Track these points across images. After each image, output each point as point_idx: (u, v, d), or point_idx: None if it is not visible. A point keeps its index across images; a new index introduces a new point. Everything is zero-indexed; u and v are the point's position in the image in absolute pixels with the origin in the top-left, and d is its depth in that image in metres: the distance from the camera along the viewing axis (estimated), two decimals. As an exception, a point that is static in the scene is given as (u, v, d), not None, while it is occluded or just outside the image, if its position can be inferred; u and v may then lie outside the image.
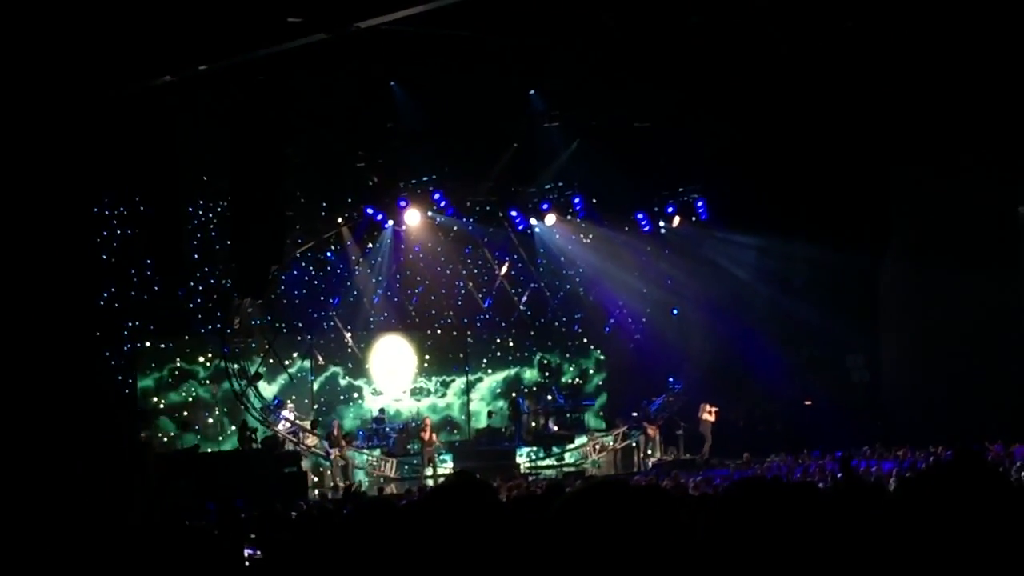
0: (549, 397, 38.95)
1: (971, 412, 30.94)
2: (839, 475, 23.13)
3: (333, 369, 36.02)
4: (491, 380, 39.27)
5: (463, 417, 38.47)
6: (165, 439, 32.34)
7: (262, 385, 33.09)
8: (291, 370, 34.67)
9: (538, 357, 40.24)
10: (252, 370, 32.70)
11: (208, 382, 33.42)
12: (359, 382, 36.47)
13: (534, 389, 39.42)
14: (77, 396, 26.79)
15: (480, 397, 38.93)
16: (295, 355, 35.24)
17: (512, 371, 39.55)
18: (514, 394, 38.16)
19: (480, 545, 3.73)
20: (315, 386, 35.75)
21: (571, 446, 36.42)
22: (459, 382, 38.74)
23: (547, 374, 40.06)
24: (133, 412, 31.24)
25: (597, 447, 36.35)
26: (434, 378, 38.29)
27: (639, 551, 2.66)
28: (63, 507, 19.55)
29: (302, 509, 21.96)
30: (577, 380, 40.47)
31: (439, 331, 38.39)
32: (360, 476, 32.70)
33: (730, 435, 35.28)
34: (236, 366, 32.37)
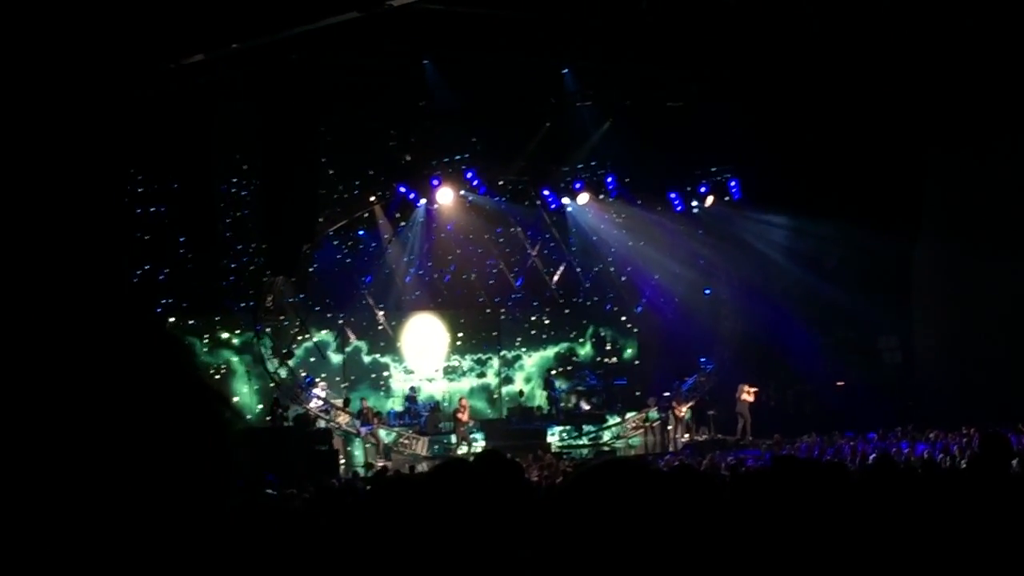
0: (584, 377, 39.09)
1: (1004, 394, 30.75)
2: (871, 458, 23.05)
3: (355, 344, 36.14)
4: (539, 357, 39.56)
5: (496, 396, 38.70)
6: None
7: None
8: (316, 340, 34.88)
9: (591, 331, 40.49)
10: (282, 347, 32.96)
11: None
12: (385, 359, 36.60)
13: (569, 368, 39.58)
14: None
15: (526, 376, 39.16)
16: (323, 332, 35.44)
17: (563, 347, 39.85)
18: (550, 373, 38.43)
19: (505, 523, 3.73)
20: (334, 359, 35.96)
21: (603, 425, 36.48)
22: (496, 361, 38.99)
23: (597, 351, 40.40)
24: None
25: (629, 426, 36.39)
26: (468, 356, 38.48)
27: (638, 532, 2.66)
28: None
29: (332, 487, 22.01)
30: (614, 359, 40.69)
31: (472, 310, 38.49)
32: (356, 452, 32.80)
33: (762, 416, 35.24)
34: (268, 343, 32.54)
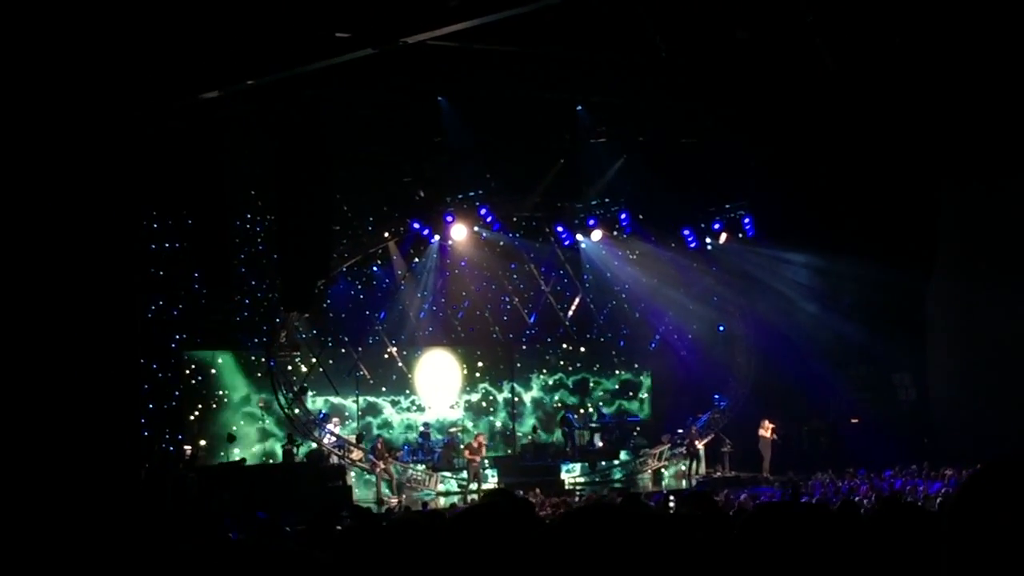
0: (592, 411, 39.08)
1: (1019, 431, 30.63)
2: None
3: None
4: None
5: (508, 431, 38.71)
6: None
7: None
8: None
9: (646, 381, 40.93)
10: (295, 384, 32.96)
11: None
12: (380, 400, 36.60)
13: (593, 405, 39.66)
14: (122, 409, 26.95)
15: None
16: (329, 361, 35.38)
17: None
18: (564, 410, 38.48)
19: (515, 563, 3.71)
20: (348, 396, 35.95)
21: (616, 462, 36.39)
22: (527, 397, 39.20)
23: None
24: (179, 424, 31.41)
25: (642, 463, 36.28)
26: (501, 388, 38.76)
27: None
28: (106, 516, 19.62)
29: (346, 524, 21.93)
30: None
31: (486, 346, 38.48)
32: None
33: (776, 452, 35.15)
34: (282, 380, 32.52)
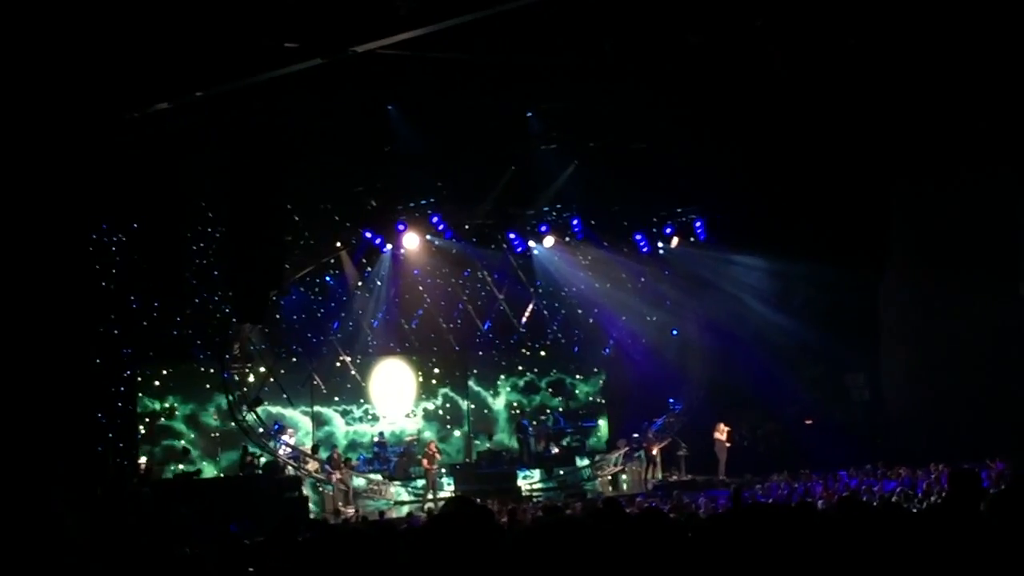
0: (550, 419, 39.06)
1: (972, 429, 30.82)
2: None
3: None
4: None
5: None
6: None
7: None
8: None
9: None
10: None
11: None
12: (329, 410, 36.52)
13: (549, 412, 39.66)
14: (76, 423, 26.80)
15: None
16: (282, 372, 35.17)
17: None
18: (523, 415, 38.53)
19: (479, 570, 3.71)
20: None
21: (571, 468, 36.36)
22: (498, 402, 39.20)
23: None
24: (132, 439, 31.23)
25: (597, 469, 36.26)
26: (461, 397, 38.72)
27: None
28: (62, 531, 19.48)
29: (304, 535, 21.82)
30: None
31: (440, 354, 38.45)
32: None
33: (733, 455, 35.26)
34: (236, 391, 32.37)
